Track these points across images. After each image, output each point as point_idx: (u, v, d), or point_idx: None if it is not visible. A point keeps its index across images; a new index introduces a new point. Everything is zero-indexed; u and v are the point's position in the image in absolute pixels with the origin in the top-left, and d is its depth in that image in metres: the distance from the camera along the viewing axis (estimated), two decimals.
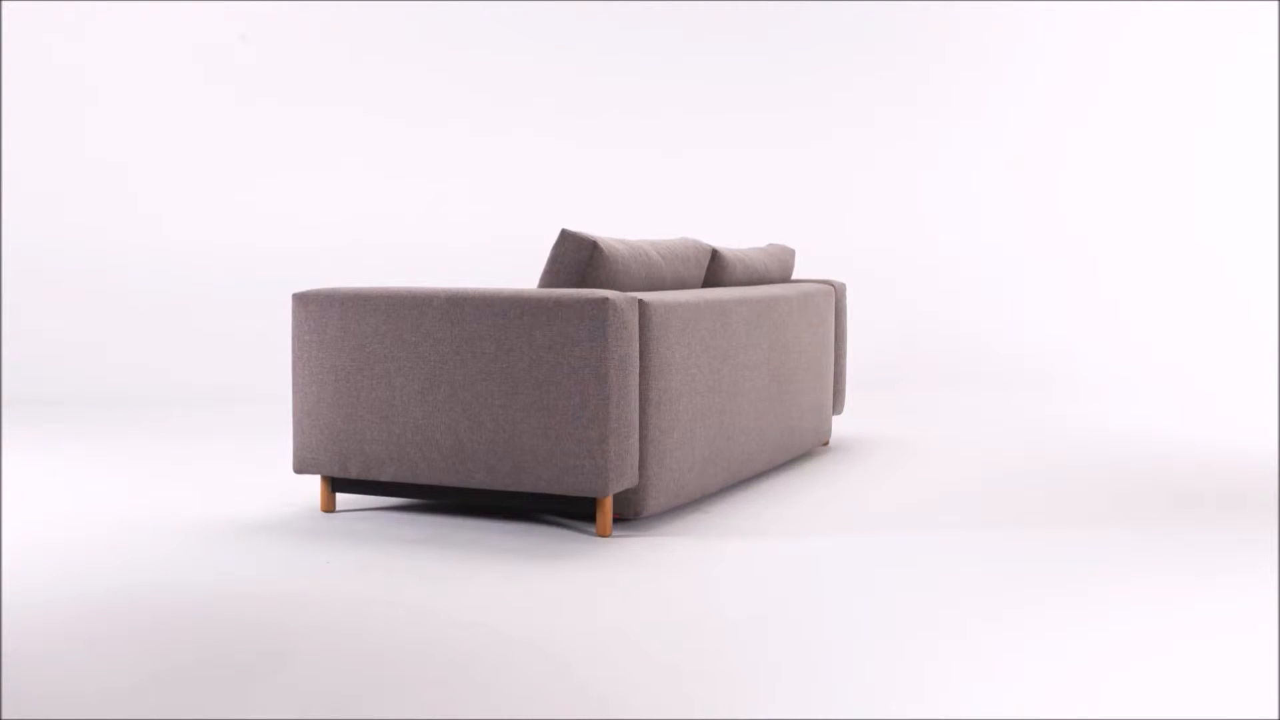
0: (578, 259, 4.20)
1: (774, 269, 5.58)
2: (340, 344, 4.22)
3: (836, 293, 5.86)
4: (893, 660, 2.76)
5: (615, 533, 4.08)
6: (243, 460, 5.58)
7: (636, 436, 4.03)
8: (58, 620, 3.03)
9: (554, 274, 4.25)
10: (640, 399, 4.06)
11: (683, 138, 9.41)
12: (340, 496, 4.70)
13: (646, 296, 4.12)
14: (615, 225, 9.17)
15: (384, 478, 4.21)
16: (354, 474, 4.25)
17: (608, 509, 4.01)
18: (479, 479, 4.06)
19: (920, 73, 9.40)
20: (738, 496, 4.71)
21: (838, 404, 5.94)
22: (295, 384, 4.36)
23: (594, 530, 4.14)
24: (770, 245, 5.75)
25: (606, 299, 3.89)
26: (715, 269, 5.05)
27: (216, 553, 3.82)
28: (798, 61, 9.30)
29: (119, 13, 8.64)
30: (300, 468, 4.36)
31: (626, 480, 4.00)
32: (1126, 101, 9.15)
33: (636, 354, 4.02)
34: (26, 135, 8.55)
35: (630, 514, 4.10)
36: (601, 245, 4.20)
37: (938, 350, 8.76)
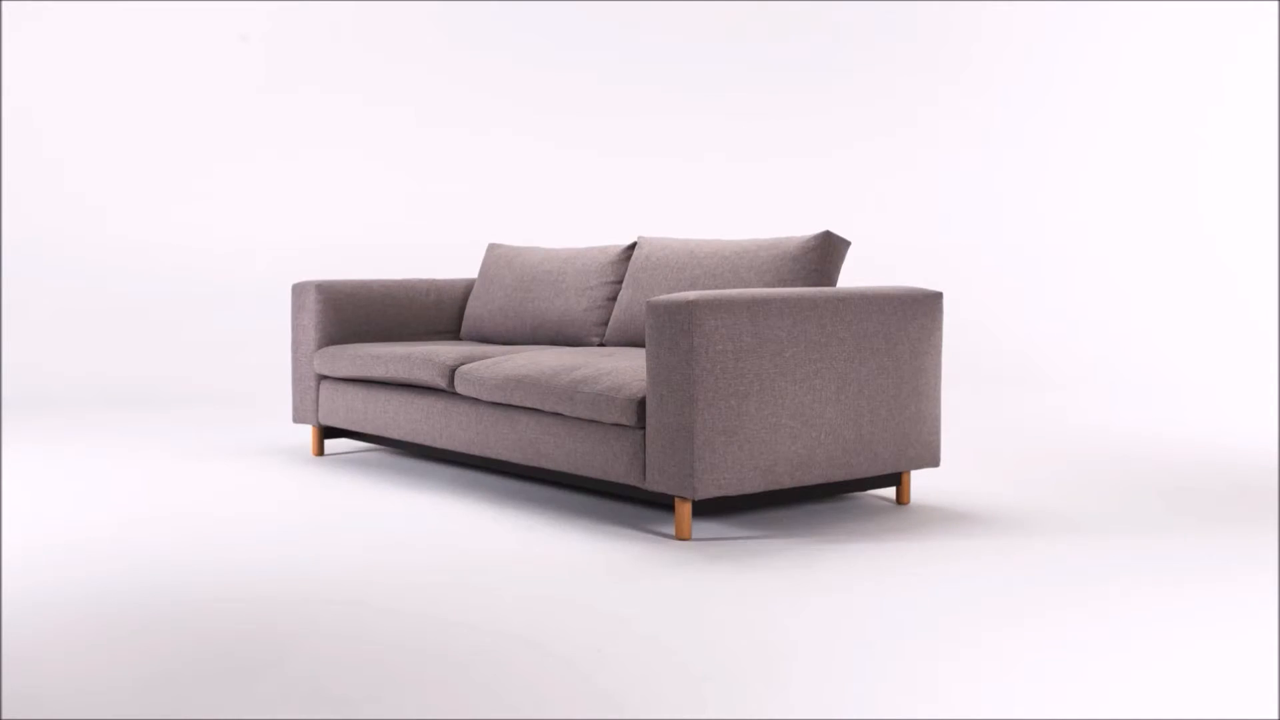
0: (836, 258, 4.68)
1: None
2: (758, 351, 4.08)
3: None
4: (893, 660, 2.79)
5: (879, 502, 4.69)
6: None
7: None
8: (59, 620, 3.06)
9: (815, 271, 4.64)
10: None
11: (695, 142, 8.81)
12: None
13: None
14: (612, 227, 8.59)
15: (790, 484, 4.22)
16: (756, 487, 4.14)
17: (909, 480, 4.69)
18: (862, 469, 4.39)
19: (932, 77, 8.83)
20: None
21: None
22: (700, 399, 3.98)
23: (894, 501, 4.72)
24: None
25: (941, 294, 4.65)
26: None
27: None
28: (810, 65, 8.85)
29: (116, 12, 8.50)
30: (709, 490, 4.01)
31: None
32: (1128, 105, 8.71)
33: None
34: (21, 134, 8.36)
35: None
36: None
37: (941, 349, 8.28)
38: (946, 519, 4.37)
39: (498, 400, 4.58)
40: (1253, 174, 8.14)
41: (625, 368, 4.27)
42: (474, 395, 4.68)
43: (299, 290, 5.59)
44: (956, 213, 8.57)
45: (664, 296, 4.00)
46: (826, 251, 4.59)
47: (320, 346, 5.56)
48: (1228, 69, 8.25)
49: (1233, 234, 8.12)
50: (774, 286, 4.62)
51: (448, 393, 4.87)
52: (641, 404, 4.06)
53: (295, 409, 5.63)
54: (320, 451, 5.62)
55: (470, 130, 9.07)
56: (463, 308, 5.87)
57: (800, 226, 8.12)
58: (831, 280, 4.60)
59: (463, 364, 4.83)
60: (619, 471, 4.17)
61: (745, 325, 3.98)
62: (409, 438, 5.03)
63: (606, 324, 5.25)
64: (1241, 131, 8.15)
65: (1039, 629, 3.02)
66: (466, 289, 5.95)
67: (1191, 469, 5.30)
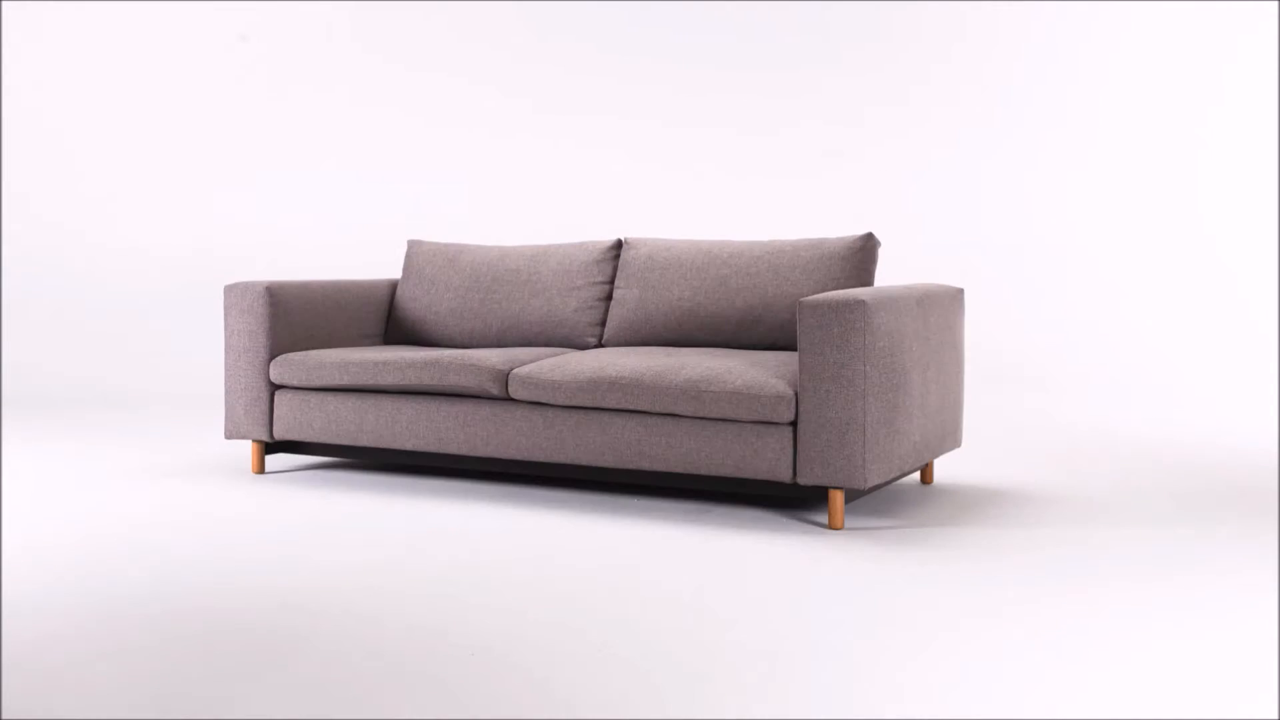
0: (874, 258, 5.00)
1: None
2: (901, 346, 4.31)
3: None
4: (887, 660, 2.78)
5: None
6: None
7: None
8: (59, 619, 3.11)
9: (861, 270, 4.93)
10: None
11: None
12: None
13: None
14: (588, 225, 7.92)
15: (909, 469, 4.53)
16: (893, 474, 4.41)
17: (933, 462, 5.10)
18: (932, 451, 4.77)
19: (919, 73, 8.38)
20: None
21: None
22: (870, 392, 4.15)
23: (919, 481, 5.10)
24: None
25: (963, 289, 5.10)
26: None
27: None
28: (789, 55, 8.38)
29: (116, 12, 8.50)
30: (874, 479, 4.21)
31: None
32: (1128, 106, 8.23)
33: None
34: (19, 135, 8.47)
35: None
36: None
37: None
38: (982, 499, 4.79)
39: (580, 404, 4.49)
40: (1256, 173, 7.92)
41: (734, 366, 4.36)
42: (540, 400, 4.55)
43: (238, 291, 5.10)
44: (936, 213, 8.25)
45: (823, 296, 4.14)
46: (869, 252, 4.87)
47: (276, 354, 5.11)
48: (1229, 69, 8.00)
49: (1234, 232, 7.93)
50: (825, 286, 4.84)
51: (495, 399, 4.68)
52: (793, 400, 4.18)
53: (232, 423, 5.13)
54: (261, 469, 5.16)
55: (383, 125, 8.69)
56: (385, 309, 5.58)
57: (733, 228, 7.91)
58: (871, 279, 4.89)
59: (513, 368, 4.67)
60: (760, 468, 4.26)
61: (896, 321, 4.21)
62: (436, 448, 4.78)
63: (602, 324, 5.22)
64: (1242, 133, 7.94)
65: (1041, 623, 3.08)
66: (387, 290, 5.65)
67: (1196, 467, 5.30)
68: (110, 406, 7.27)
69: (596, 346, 5.22)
